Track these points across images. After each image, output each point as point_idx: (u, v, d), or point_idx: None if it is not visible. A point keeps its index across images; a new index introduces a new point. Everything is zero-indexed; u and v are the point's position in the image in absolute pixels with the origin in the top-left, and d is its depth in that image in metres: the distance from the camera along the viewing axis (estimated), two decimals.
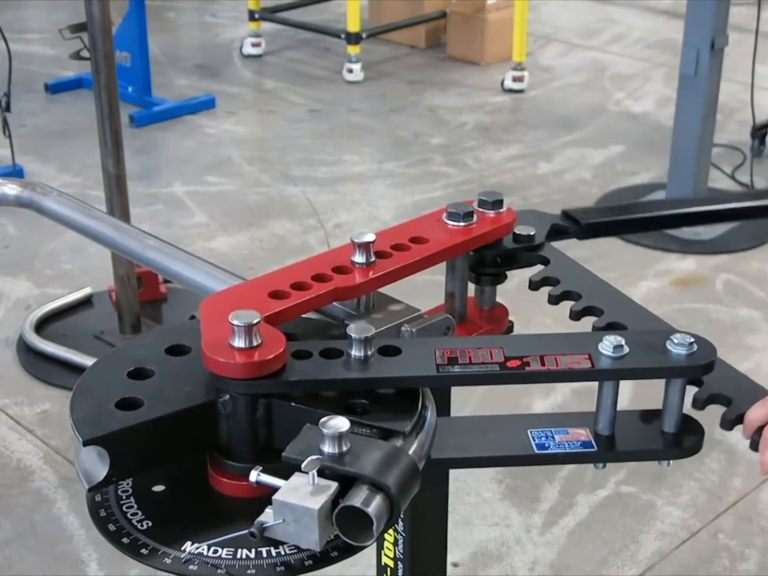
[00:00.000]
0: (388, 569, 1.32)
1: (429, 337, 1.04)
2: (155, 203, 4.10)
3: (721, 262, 3.67)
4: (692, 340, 0.96)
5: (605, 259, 3.60)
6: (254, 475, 0.83)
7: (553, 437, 0.99)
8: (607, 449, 0.98)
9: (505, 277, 1.23)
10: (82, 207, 1.35)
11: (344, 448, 0.82)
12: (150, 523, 0.89)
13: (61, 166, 4.40)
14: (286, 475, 0.82)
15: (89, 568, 2.38)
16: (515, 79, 5.29)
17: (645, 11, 6.61)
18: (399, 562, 1.30)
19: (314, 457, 0.80)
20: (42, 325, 3.25)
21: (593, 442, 0.98)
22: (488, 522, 2.51)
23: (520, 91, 5.29)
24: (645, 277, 3.56)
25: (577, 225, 1.29)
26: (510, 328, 1.26)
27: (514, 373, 0.93)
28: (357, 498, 0.79)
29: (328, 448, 0.82)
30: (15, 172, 3.93)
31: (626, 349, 0.94)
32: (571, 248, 1.29)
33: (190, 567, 0.84)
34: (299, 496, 0.79)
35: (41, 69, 5.47)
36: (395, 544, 1.28)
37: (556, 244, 1.28)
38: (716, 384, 1.00)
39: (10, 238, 3.82)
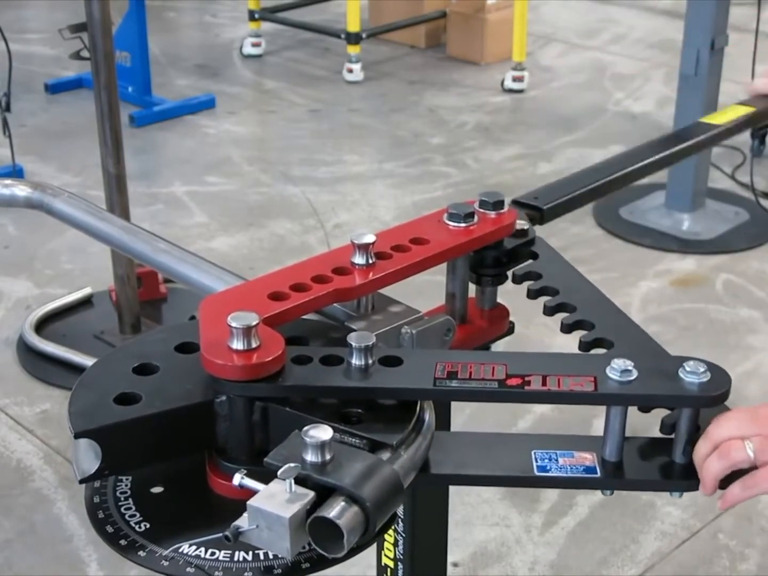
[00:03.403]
0: (388, 569, 1.32)
1: (434, 350, 1.04)
2: (155, 203, 4.10)
3: (721, 262, 3.67)
4: (705, 368, 0.91)
5: (605, 259, 3.60)
6: (237, 478, 0.83)
7: (556, 460, 0.96)
8: (612, 476, 0.95)
9: (506, 277, 1.23)
10: (92, 209, 1.35)
11: (327, 458, 0.81)
12: (148, 525, 0.89)
13: (61, 166, 4.40)
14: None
15: (89, 568, 2.38)
16: (515, 79, 5.29)
17: (645, 11, 6.61)
18: (399, 563, 1.30)
19: (292, 464, 0.80)
20: (42, 325, 3.25)
21: (597, 468, 0.95)
22: (488, 522, 2.51)
23: (520, 91, 5.29)
24: (645, 277, 3.56)
25: (538, 212, 1.30)
26: (511, 329, 1.25)
27: (512, 392, 0.90)
28: (330, 509, 0.78)
29: (310, 456, 0.81)
30: (15, 172, 3.93)
31: (634, 374, 0.91)
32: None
33: (188, 569, 0.84)
34: (274, 503, 0.78)
35: (41, 69, 5.47)
36: (395, 544, 1.28)
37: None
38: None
39: (10, 238, 3.82)
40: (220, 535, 0.79)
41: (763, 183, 4.20)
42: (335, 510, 0.78)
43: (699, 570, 2.41)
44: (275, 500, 0.78)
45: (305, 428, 0.82)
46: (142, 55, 4.93)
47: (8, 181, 1.41)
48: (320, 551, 0.79)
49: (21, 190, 1.39)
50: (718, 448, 0.90)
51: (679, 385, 0.91)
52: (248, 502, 0.79)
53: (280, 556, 0.83)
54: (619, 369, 0.91)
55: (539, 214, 1.30)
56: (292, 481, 0.79)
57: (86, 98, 4.63)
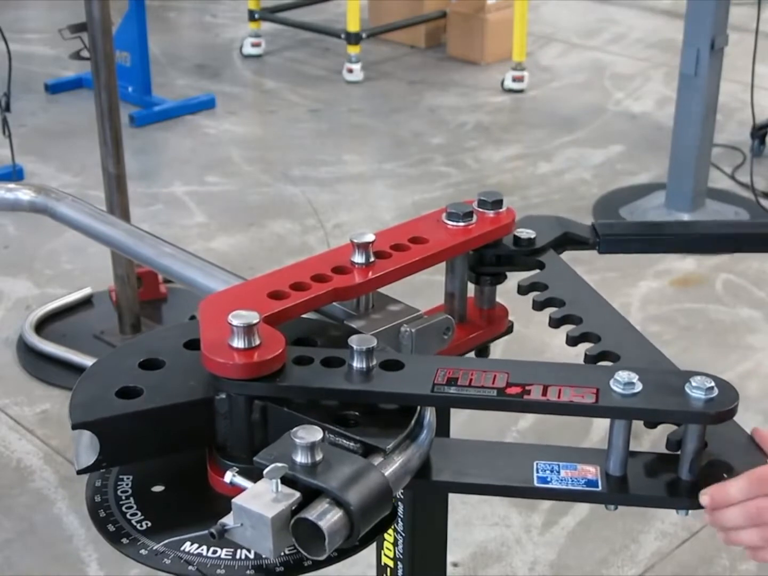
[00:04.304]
0: (388, 569, 1.32)
1: (436, 356, 1.03)
2: (155, 203, 4.10)
3: (721, 262, 3.67)
4: (712, 384, 0.89)
5: (605, 258, 3.60)
6: (229, 476, 0.83)
7: (558, 471, 0.94)
8: (614, 491, 0.93)
9: (505, 277, 1.23)
10: (95, 212, 1.36)
11: (316, 459, 0.81)
12: (149, 524, 0.89)
13: (60, 166, 4.40)
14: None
15: (89, 568, 2.38)
16: (515, 79, 5.29)
17: (645, 11, 6.61)
18: (399, 563, 1.30)
19: (279, 464, 0.80)
20: (42, 325, 3.25)
21: (599, 482, 0.93)
22: (488, 522, 2.51)
23: (520, 91, 5.29)
24: (645, 277, 3.56)
25: (596, 237, 1.28)
26: (510, 328, 1.25)
27: (510, 401, 0.89)
28: (314, 511, 0.78)
29: (299, 457, 0.81)
30: (15, 172, 3.93)
31: (638, 387, 0.89)
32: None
33: (189, 567, 0.84)
34: (259, 503, 0.78)
35: (41, 69, 5.47)
36: (395, 544, 1.28)
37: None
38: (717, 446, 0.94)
39: (10, 238, 3.82)
40: (205, 532, 0.79)
41: (763, 183, 4.21)
42: (318, 512, 0.78)
43: (699, 570, 2.41)
44: (260, 499, 0.78)
45: (295, 429, 0.82)
46: (142, 55, 4.93)
47: (12, 185, 1.42)
48: (303, 553, 0.79)
49: (25, 194, 1.40)
50: (760, 528, 0.88)
51: (685, 400, 0.88)
52: (233, 500, 0.79)
53: (286, 552, 0.83)
54: (622, 381, 0.89)
55: (598, 241, 1.28)
56: (278, 481, 0.79)
57: (86, 98, 4.63)
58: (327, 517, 0.78)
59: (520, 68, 5.30)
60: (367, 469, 0.82)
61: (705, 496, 0.91)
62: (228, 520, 0.79)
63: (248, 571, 0.84)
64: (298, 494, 0.79)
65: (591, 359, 1.06)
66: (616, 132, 4.80)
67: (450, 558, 1.99)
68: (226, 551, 0.85)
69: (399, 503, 1.25)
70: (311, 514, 0.78)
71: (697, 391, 0.89)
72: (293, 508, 0.78)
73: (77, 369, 2.99)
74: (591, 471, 0.95)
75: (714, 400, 0.88)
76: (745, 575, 2.40)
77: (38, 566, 2.40)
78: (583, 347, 1.08)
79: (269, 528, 0.77)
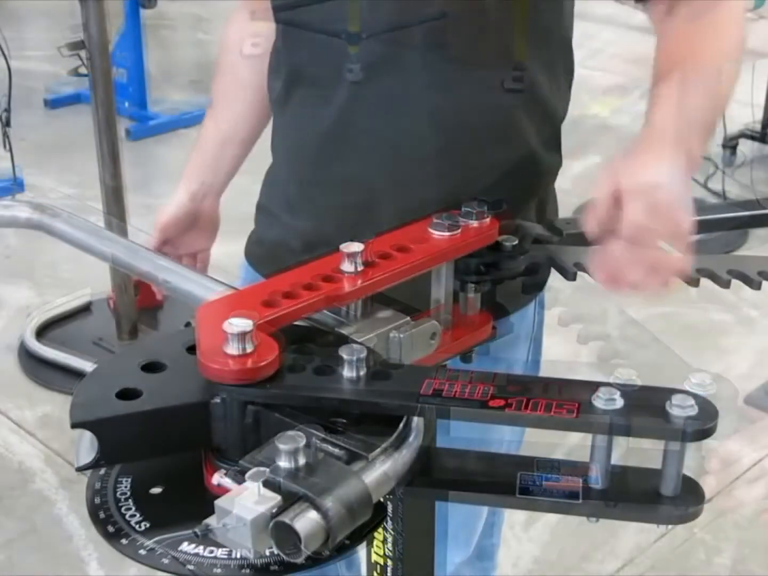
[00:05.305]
0: (388, 569, 1.32)
1: (425, 366, 1.05)
2: (151, 213, 4.09)
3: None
4: (692, 402, 0.88)
5: None
6: (216, 478, 0.84)
7: (558, 468, 0.96)
8: (616, 486, 0.94)
9: (497, 282, 1.23)
10: (92, 228, 1.38)
11: (299, 464, 0.82)
12: (148, 525, 0.90)
13: (60, 179, 4.42)
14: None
15: (89, 568, 2.39)
16: None
17: (620, 27, 6.64)
18: (399, 563, 1.31)
19: (260, 468, 0.81)
20: (42, 331, 3.27)
21: (599, 478, 0.94)
22: None
23: None
24: None
25: (559, 236, 1.30)
26: (494, 333, 1.25)
27: (493, 413, 0.90)
28: (291, 514, 0.79)
29: (282, 461, 0.82)
30: (16, 184, 3.96)
31: (619, 404, 0.89)
32: None
33: (188, 567, 0.85)
34: (240, 505, 0.79)
35: (40, 85, 5.48)
36: (395, 543, 1.29)
37: None
38: None
39: (11, 247, 3.84)
40: (190, 532, 0.80)
41: (735, 192, 4.31)
42: (296, 516, 0.79)
43: (676, 563, 2.42)
44: (242, 502, 0.79)
45: (279, 434, 0.83)
46: (138, 71, 4.98)
47: (8, 202, 1.43)
48: (282, 555, 0.80)
49: (21, 212, 1.42)
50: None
51: (664, 419, 0.89)
52: (215, 502, 0.80)
53: (276, 553, 0.84)
54: (604, 398, 0.89)
55: (561, 239, 1.28)
56: (260, 485, 0.80)
57: (85, 113, 4.65)
58: (303, 521, 0.79)
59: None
60: (347, 476, 0.83)
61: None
62: (212, 520, 0.80)
63: (244, 570, 0.85)
64: (278, 498, 0.80)
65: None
66: (594, 144, 4.83)
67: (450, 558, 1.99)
68: (223, 551, 0.87)
69: (399, 503, 1.26)
70: (289, 517, 0.79)
71: (677, 408, 0.89)
72: (273, 511, 0.79)
73: (77, 373, 3.00)
74: (591, 468, 0.96)
75: (694, 417, 0.88)
76: (744, 575, 2.41)
77: (39, 566, 2.41)
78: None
79: (248, 529, 0.78)
